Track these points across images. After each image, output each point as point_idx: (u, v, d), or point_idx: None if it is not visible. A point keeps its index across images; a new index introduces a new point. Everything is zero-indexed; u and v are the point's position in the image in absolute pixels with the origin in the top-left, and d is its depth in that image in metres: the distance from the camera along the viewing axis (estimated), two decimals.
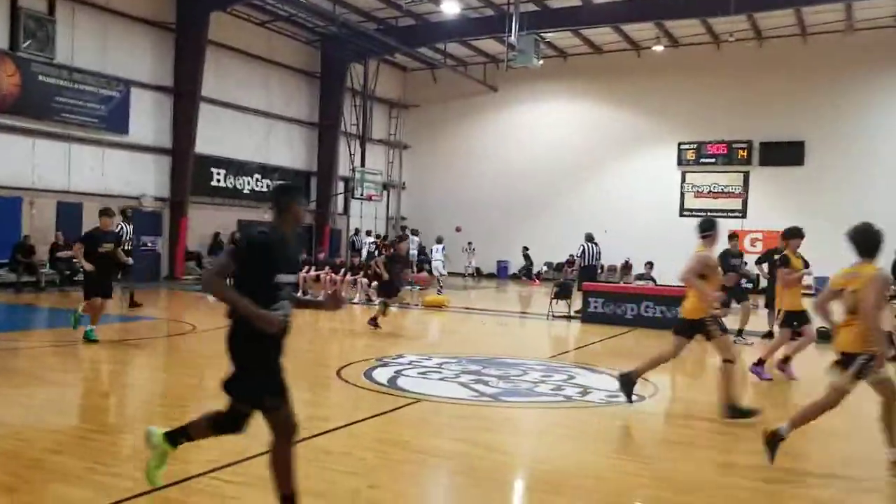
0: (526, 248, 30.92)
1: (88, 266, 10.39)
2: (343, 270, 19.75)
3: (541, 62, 25.15)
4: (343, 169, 30.44)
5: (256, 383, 4.09)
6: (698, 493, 5.19)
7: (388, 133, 34.19)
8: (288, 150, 28.64)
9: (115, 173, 21.87)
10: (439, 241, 24.70)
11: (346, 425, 6.57)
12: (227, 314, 4.06)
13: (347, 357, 10.40)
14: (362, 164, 30.34)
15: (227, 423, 4.26)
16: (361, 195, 29.56)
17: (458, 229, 31.72)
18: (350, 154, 30.70)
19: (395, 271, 14.45)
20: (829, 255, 26.47)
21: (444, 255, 24.30)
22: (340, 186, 30.53)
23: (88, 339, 10.32)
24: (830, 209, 26.36)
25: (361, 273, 19.43)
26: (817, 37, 26.95)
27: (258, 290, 3.98)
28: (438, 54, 30.52)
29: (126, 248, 13.86)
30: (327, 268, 19.94)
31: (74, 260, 13.24)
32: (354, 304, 18.36)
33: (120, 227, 14.22)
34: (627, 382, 7.87)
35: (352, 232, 31.22)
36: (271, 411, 4.13)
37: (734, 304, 13.67)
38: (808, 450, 6.54)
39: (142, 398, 8.02)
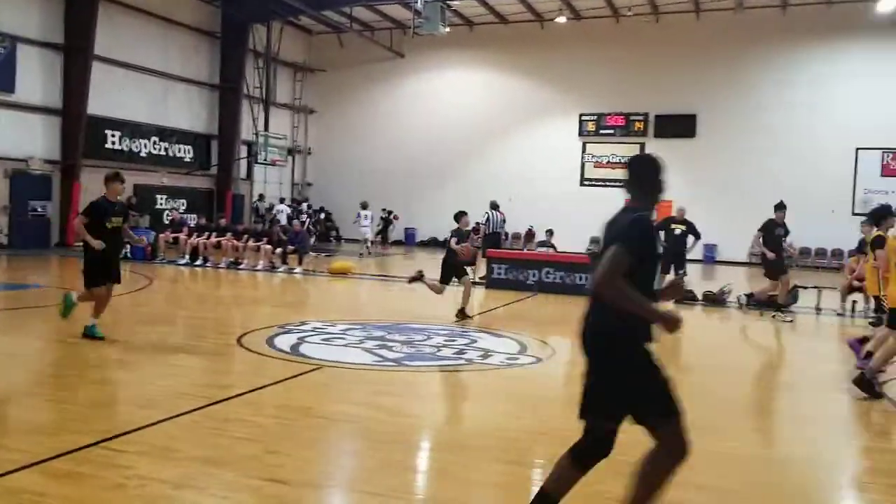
0: (387, 212, 30.77)
1: (97, 243, 8.23)
2: (246, 237, 19.35)
3: (447, 30, 25.13)
4: (246, 133, 29.68)
5: (635, 392, 3.62)
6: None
7: (293, 97, 33.50)
8: (187, 112, 27.66)
9: (0, 134, 20.66)
10: (364, 206, 24.69)
11: (245, 392, 6.51)
12: (599, 320, 3.62)
13: (249, 324, 10.26)
14: (266, 129, 29.65)
15: (593, 449, 3.79)
16: (265, 160, 28.94)
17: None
18: (253, 118, 29.93)
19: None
20: (718, 223, 28.02)
21: (371, 221, 24.67)
22: (243, 151, 29.79)
23: (92, 335, 8.41)
24: (720, 179, 27.67)
25: (265, 239, 19.10)
26: (710, 14, 27.93)
27: (641, 288, 3.48)
28: (345, 18, 30.00)
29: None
30: (229, 234, 19.50)
31: (78, 241, 9.95)
32: (258, 271, 18.06)
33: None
34: (868, 385, 7.21)
35: (255, 198, 30.57)
36: (664, 424, 3.66)
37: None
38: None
39: (29, 368, 7.71)
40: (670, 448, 3.62)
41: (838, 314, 14.02)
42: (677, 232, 15.10)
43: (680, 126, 28.69)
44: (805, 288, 15.03)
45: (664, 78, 28.48)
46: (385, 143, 32.72)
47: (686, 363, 9.54)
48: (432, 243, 31.36)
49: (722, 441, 5.76)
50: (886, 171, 26.71)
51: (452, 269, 11.96)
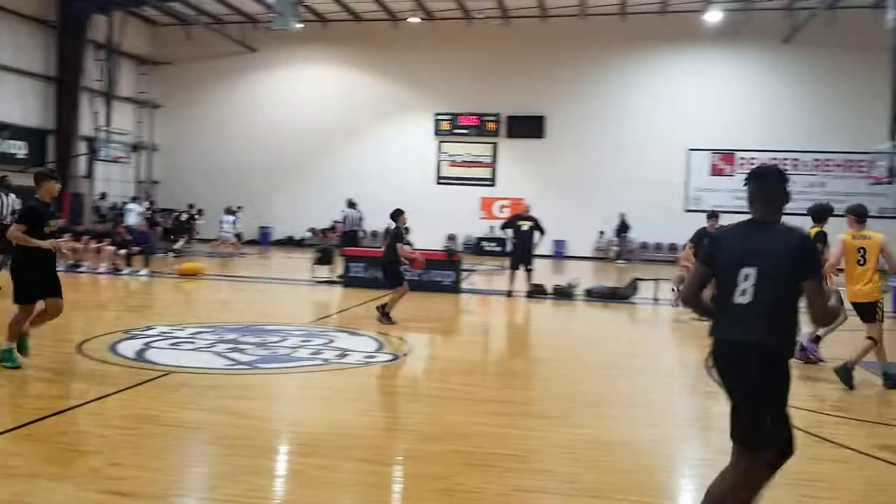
0: (191, 207, 28.54)
1: (49, 242, 7.14)
2: (86, 238, 18.23)
3: (300, 26, 24.77)
4: (86, 128, 27.94)
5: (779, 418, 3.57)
6: (447, 440, 5.53)
7: (138, 91, 31.89)
8: (19, 105, 25.70)
9: None
10: (228, 211, 24.36)
11: (86, 403, 6.17)
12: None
13: (91, 331, 9.70)
14: (108, 124, 28.06)
15: (763, 479, 3.69)
16: (107, 157, 27.38)
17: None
18: (94, 112, 28.22)
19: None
20: (566, 220, 29.18)
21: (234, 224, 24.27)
22: (83, 147, 28.03)
23: (11, 362, 7.16)
24: (568, 178, 28.91)
25: (108, 240, 18.08)
26: (556, 19, 29.10)
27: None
28: (191, 10, 28.87)
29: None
30: (67, 235, 18.30)
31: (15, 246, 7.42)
32: (100, 273, 17.09)
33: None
34: (846, 374, 7.75)
35: (96, 196, 28.87)
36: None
37: None
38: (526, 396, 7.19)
39: None
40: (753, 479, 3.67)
41: (674, 304, 15.00)
42: (524, 228, 15.57)
43: (530, 127, 29.71)
44: (644, 280, 15.96)
45: (515, 80, 29.39)
46: (238, 140, 31.79)
47: (536, 354, 9.93)
48: (289, 242, 30.83)
49: (568, 427, 6.05)
50: (714, 171, 28.81)
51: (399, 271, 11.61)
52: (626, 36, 28.75)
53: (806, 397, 7.45)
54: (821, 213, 8.82)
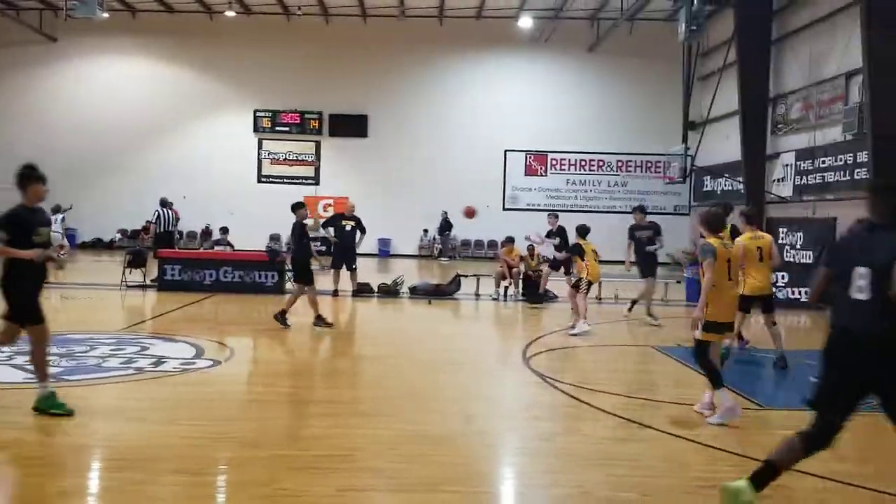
0: None
1: (34, 252, 6.01)
2: None
3: (106, 15, 23.22)
4: None
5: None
6: (271, 445, 5.42)
7: None
8: None
9: None
10: (56, 210, 21.98)
11: None
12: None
13: None
14: None
15: (819, 439, 4.28)
16: None
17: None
18: None
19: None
20: (391, 219, 29.40)
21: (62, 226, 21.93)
22: None
23: (60, 409, 6.12)
24: (391, 178, 29.17)
25: None
26: (376, 19, 29.26)
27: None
28: None
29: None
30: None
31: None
32: None
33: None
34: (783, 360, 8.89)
35: None
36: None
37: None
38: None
39: None
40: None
41: (494, 299, 15.60)
42: (348, 228, 15.60)
43: (353, 125, 29.69)
44: (466, 276, 16.45)
45: (338, 78, 29.23)
46: (36, 136, 29.13)
47: (362, 353, 9.95)
48: (97, 245, 28.87)
49: (395, 424, 6.12)
50: (529, 171, 30.19)
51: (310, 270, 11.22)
52: (445, 38, 29.42)
53: (617, 383, 8.00)
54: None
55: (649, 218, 13.39)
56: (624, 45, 28.18)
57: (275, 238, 27.91)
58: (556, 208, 29.30)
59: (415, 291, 15.77)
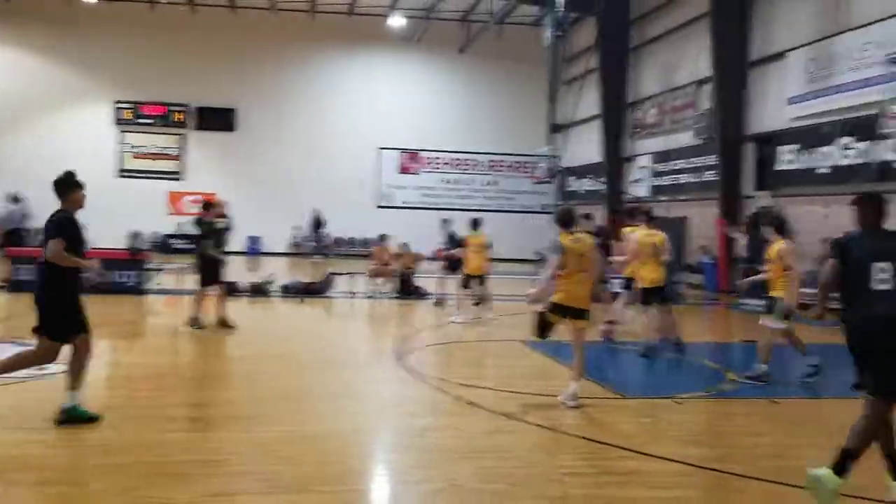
0: None
1: (92, 262, 5.90)
2: None
3: None
4: None
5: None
6: (134, 452, 5.25)
7: None
8: None
9: None
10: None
11: None
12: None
13: None
14: None
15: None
16: None
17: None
18: None
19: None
20: (261, 216, 28.82)
21: None
22: None
23: (84, 416, 5.83)
24: (261, 173, 28.55)
25: None
26: (246, 11, 28.58)
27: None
28: None
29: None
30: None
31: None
32: None
33: None
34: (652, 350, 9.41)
35: None
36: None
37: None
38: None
39: None
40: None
41: (368, 296, 15.63)
42: (220, 226, 15.17)
43: (221, 119, 28.89)
44: (339, 274, 16.39)
45: (204, 70, 28.33)
46: None
47: (232, 354, 9.73)
48: None
49: (267, 426, 6.06)
50: (403, 169, 30.39)
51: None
52: (317, 34, 29.10)
53: (486, 377, 8.23)
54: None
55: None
56: (493, 47, 28.86)
57: (136, 235, 26.74)
58: (430, 206, 29.84)
59: (287, 290, 15.56)
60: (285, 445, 5.55)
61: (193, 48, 28.30)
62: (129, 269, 14.76)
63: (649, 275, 9.55)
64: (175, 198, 28.95)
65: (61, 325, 5.88)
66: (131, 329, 10.73)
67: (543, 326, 7.10)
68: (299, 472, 4.99)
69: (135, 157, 28.90)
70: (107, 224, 24.81)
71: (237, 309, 13.92)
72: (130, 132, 28.76)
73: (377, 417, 6.72)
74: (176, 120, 28.81)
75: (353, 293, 15.82)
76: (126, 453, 5.23)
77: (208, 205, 11.39)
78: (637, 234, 9.78)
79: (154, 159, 28.91)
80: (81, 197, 6.15)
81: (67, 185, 6.09)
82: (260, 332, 11.81)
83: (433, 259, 15.03)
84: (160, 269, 16.32)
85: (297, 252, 29.08)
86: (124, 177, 28.65)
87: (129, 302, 13.62)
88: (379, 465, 5.57)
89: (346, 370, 8.61)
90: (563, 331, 7.16)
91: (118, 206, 26.78)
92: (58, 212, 6.01)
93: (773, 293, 8.26)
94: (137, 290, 14.50)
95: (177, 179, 28.99)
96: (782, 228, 8.40)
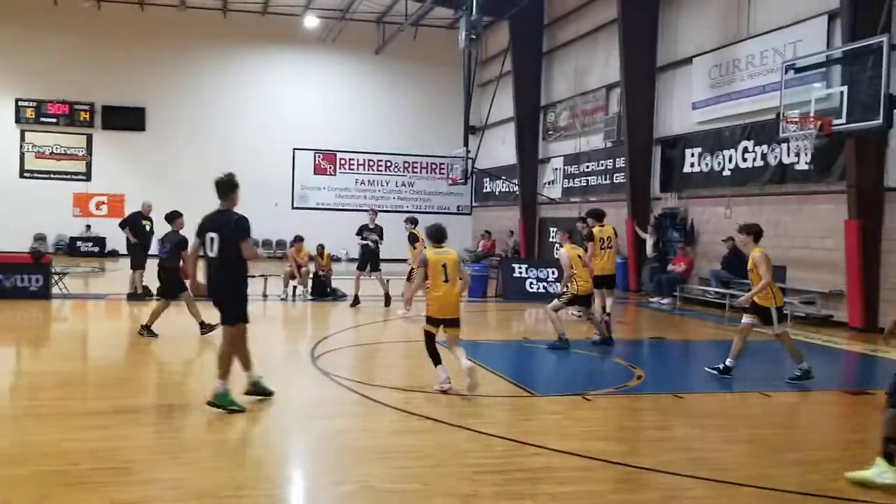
0: None
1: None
2: None
3: None
4: None
5: None
6: (37, 461, 5.08)
7: None
8: None
9: None
10: None
11: None
12: None
13: None
14: None
15: None
16: None
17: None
18: None
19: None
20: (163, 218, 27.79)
21: None
22: None
23: (232, 405, 6.43)
24: (174, 174, 27.73)
25: None
26: (154, 7, 27.78)
27: None
28: None
29: None
30: None
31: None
32: None
33: None
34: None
35: None
36: None
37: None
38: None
39: None
40: None
41: (282, 299, 15.46)
42: (148, 228, 14.92)
43: (129, 118, 27.99)
44: (253, 276, 16.11)
45: (112, 68, 27.39)
46: None
47: (139, 359, 9.47)
48: None
49: (175, 431, 5.95)
50: (318, 170, 30.14)
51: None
52: (230, 32, 28.53)
53: (400, 377, 8.28)
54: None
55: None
56: (409, 49, 28.94)
57: (40, 238, 25.68)
58: (345, 207, 29.68)
59: (199, 294, 15.19)
60: (193, 451, 5.47)
61: (100, 45, 27.30)
62: (32, 273, 14.15)
63: (599, 263, 10.82)
64: (82, 199, 27.89)
65: (240, 312, 6.77)
66: (35, 335, 10.31)
67: (428, 339, 7.61)
68: (210, 478, 4.93)
69: (37, 158, 27.68)
70: (9, 227, 23.91)
71: (147, 314, 13.55)
72: (33, 132, 27.54)
73: (289, 420, 6.67)
74: (81, 119, 27.72)
75: (267, 295, 15.60)
76: (32, 463, 5.06)
77: (172, 216, 11.10)
78: (594, 230, 10.94)
79: (58, 160, 27.76)
80: (237, 197, 6.87)
81: (233, 186, 6.83)
82: (168, 337, 11.52)
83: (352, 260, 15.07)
84: (65, 273, 15.70)
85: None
86: (27, 178, 27.43)
87: (33, 307, 13.09)
88: (291, 468, 5.54)
89: (260, 373, 8.48)
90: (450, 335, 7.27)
91: (21, 208, 25.70)
92: (235, 212, 6.74)
93: (760, 303, 8.30)
94: (42, 295, 13.92)
95: (83, 180, 27.93)
96: (759, 236, 8.44)
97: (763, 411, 7.50)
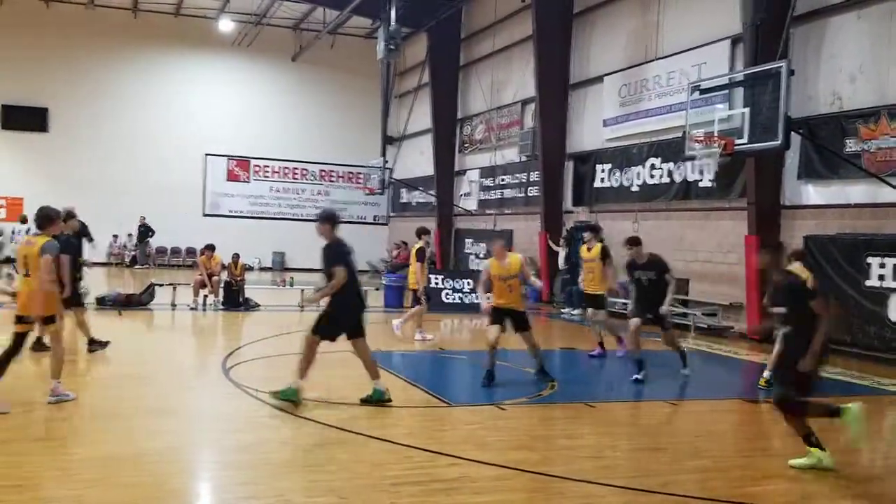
0: None
1: None
2: None
3: None
4: None
5: None
6: None
7: None
8: None
9: None
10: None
11: None
12: None
13: None
14: None
15: None
16: None
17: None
18: None
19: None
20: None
21: None
22: None
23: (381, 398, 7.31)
24: (80, 177, 26.63)
25: None
26: (61, 5, 26.73)
27: None
28: None
29: None
30: None
31: None
32: None
33: None
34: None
35: None
36: None
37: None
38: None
39: None
40: None
41: (191, 308, 15.04)
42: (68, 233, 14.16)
43: (31, 119, 26.82)
44: (162, 285, 15.66)
45: (13, 66, 26.19)
46: None
47: (38, 371, 9.03)
48: None
49: (73, 447, 5.72)
50: (231, 176, 29.53)
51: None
52: (140, 33, 27.70)
53: (316, 389, 8.16)
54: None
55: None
56: (327, 57, 28.74)
57: None
58: (259, 216, 29.18)
59: (103, 302, 14.65)
60: (94, 468, 5.24)
61: (2, 42, 26.04)
62: None
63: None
64: None
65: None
66: None
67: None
68: (111, 495, 4.74)
69: None
70: None
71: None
72: None
73: (199, 434, 6.51)
74: None
75: (176, 305, 15.15)
76: None
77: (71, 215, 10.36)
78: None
79: None
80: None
81: (336, 218, 7.47)
82: (68, 347, 11.04)
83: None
84: None
85: (116, 262, 27.45)
86: None
87: None
88: (201, 483, 5.39)
89: (165, 386, 8.24)
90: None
91: None
92: (336, 238, 7.30)
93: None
94: None
95: None
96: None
97: (668, 419, 7.77)
